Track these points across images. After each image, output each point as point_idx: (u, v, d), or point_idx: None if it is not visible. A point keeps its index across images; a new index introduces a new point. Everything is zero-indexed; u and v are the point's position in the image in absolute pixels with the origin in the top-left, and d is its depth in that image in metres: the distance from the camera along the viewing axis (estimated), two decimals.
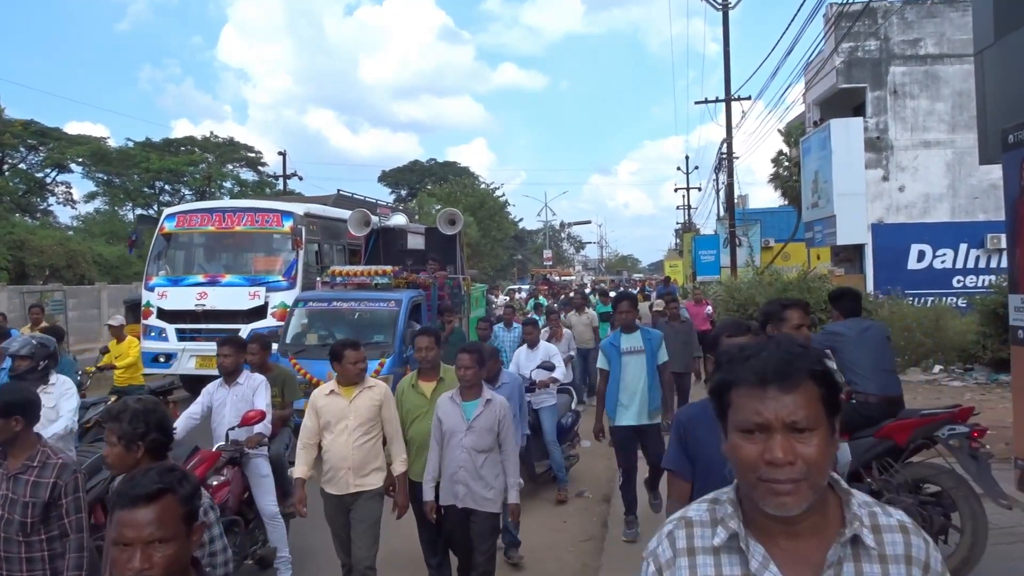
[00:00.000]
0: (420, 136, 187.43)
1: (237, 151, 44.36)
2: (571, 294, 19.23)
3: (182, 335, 11.49)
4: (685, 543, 1.35)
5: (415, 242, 13.58)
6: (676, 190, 51.29)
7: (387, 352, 8.54)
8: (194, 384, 10.50)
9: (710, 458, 2.43)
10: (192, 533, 1.78)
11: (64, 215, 46.29)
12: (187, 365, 11.36)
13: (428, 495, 4.38)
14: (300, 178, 35.15)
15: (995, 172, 15.87)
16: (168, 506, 1.72)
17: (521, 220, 60.41)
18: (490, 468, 4.24)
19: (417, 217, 31.60)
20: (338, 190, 17.62)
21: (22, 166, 37.46)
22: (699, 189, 53.01)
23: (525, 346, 7.70)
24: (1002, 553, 5.00)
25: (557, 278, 34.94)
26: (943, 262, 17.83)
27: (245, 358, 5.29)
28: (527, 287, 30.28)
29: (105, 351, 9.19)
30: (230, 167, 44.10)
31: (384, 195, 53.58)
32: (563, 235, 74.55)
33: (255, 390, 5.07)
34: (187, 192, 41.07)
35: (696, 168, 54.25)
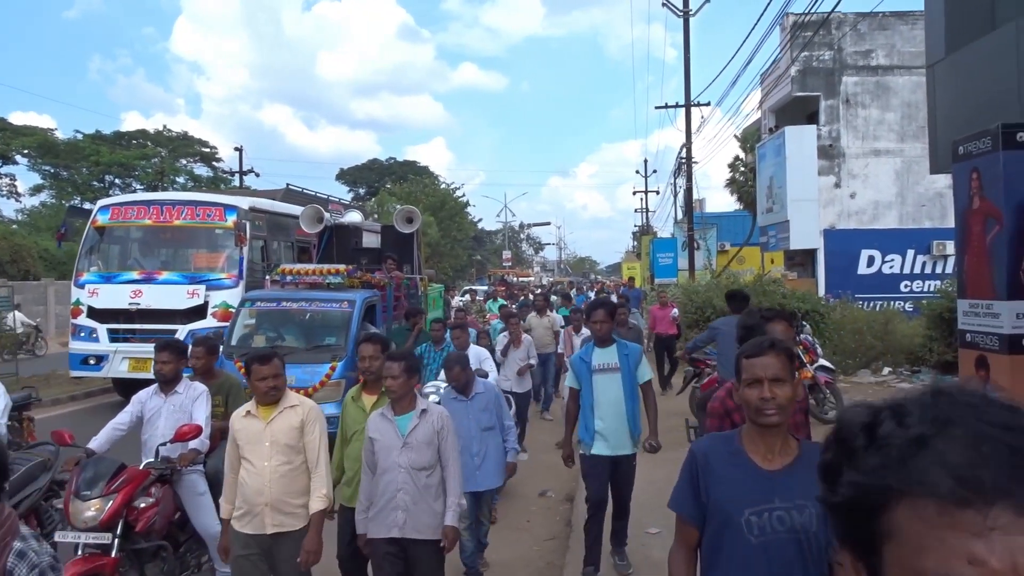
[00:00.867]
0: (379, 134, 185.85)
1: (191, 146, 43.49)
2: (530, 296, 19.18)
3: (114, 336, 10.84)
4: None
5: (371, 240, 13.33)
6: (635, 193, 51.73)
7: (339, 355, 8.30)
8: (127, 388, 9.86)
9: (727, 502, 2.13)
10: None
11: (8, 208, 44.73)
12: (119, 368, 10.74)
13: (362, 527, 3.83)
14: (257, 174, 34.40)
15: (941, 181, 16.39)
16: None
17: (480, 221, 60.37)
18: (433, 488, 3.76)
19: (377, 216, 31.32)
20: (287, 184, 17.10)
21: None
22: (657, 192, 53.45)
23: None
24: None
25: (515, 279, 34.72)
26: (891, 267, 18.31)
27: (187, 363, 4.88)
28: (485, 287, 29.95)
29: None
30: (184, 162, 43.21)
31: (342, 193, 52.94)
32: (522, 236, 74.67)
33: (194, 400, 4.63)
34: (138, 187, 40.05)
35: (655, 172, 54.93)
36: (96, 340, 10.89)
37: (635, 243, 49.44)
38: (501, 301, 16.80)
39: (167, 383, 4.66)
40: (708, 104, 22.18)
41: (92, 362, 10.89)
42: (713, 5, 20.44)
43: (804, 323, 10.10)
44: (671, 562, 2.31)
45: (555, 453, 8.76)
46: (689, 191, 21.20)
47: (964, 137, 6.28)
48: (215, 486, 4.65)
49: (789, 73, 18.70)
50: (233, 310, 10.58)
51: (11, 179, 38.51)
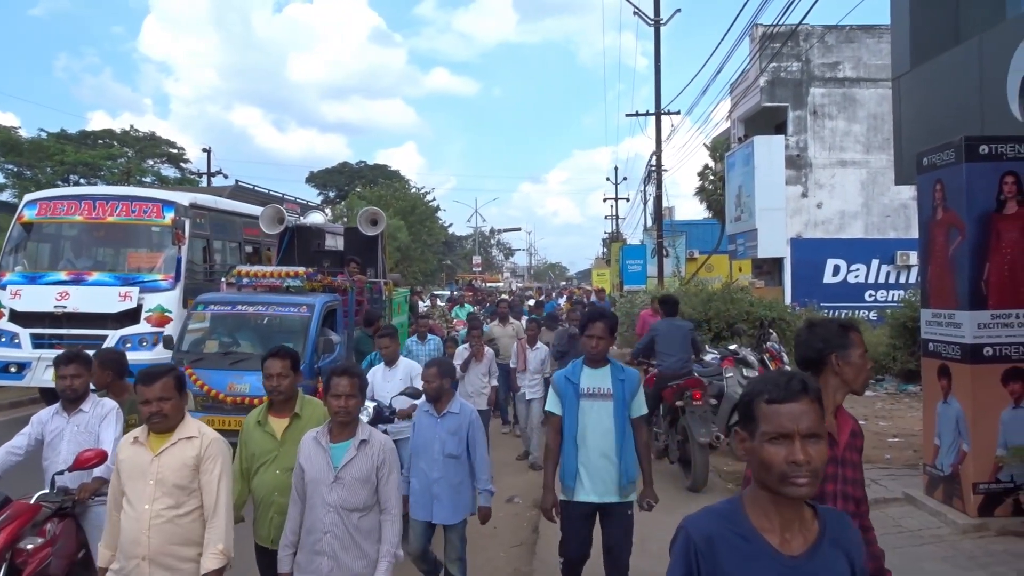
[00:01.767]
0: (349, 138, 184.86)
1: (158, 146, 42.66)
2: (498, 301, 18.83)
3: (38, 341, 10.00)
4: None
5: (334, 243, 13.01)
6: (605, 200, 51.82)
7: None
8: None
9: None
10: None
11: None
12: (43, 377, 9.69)
13: (284, 566, 3.31)
14: (225, 176, 33.90)
15: (906, 192, 16.64)
16: None
17: (451, 225, 60.03)
18: (365, 532, 3.24)
19: (346, 219, 30.91)
20: (236, 181, 16.14)
21: None
22: (627, 200, 53.62)
23: (382, 364, 6.11)
24: (910, 554, 5.11)
25: (482, 284, 34.21)
26: (856, 276, 18.54)
27: (94, 378, 4.23)
28: (447, 292, 28.90)
29: None
30: (151, 162, 42.36)
31: (312, 196, 52.29)
32: (493, 241, 74.52)
33: (102, 419, 4.00)
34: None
35: (625, 179, 55.25)
36: (18, 346, 10.04)
37: (605, 250, 49.53)
38: (468, 307, 16.57)
39: (73, 402, 4.06)
40: (678, 113, 22.36)
41: (13, 370, 10.03)
42: (684, 15, 20.55)
43: (771, 331, 10.10)
44: None
45: (521, 457, 8.64)
46: (659, 199, 21.24)
47: (928, 149, 6.30)
48: None
49: (758, 83, 18.87)
50: (169, 314, 10.12)
51: None
